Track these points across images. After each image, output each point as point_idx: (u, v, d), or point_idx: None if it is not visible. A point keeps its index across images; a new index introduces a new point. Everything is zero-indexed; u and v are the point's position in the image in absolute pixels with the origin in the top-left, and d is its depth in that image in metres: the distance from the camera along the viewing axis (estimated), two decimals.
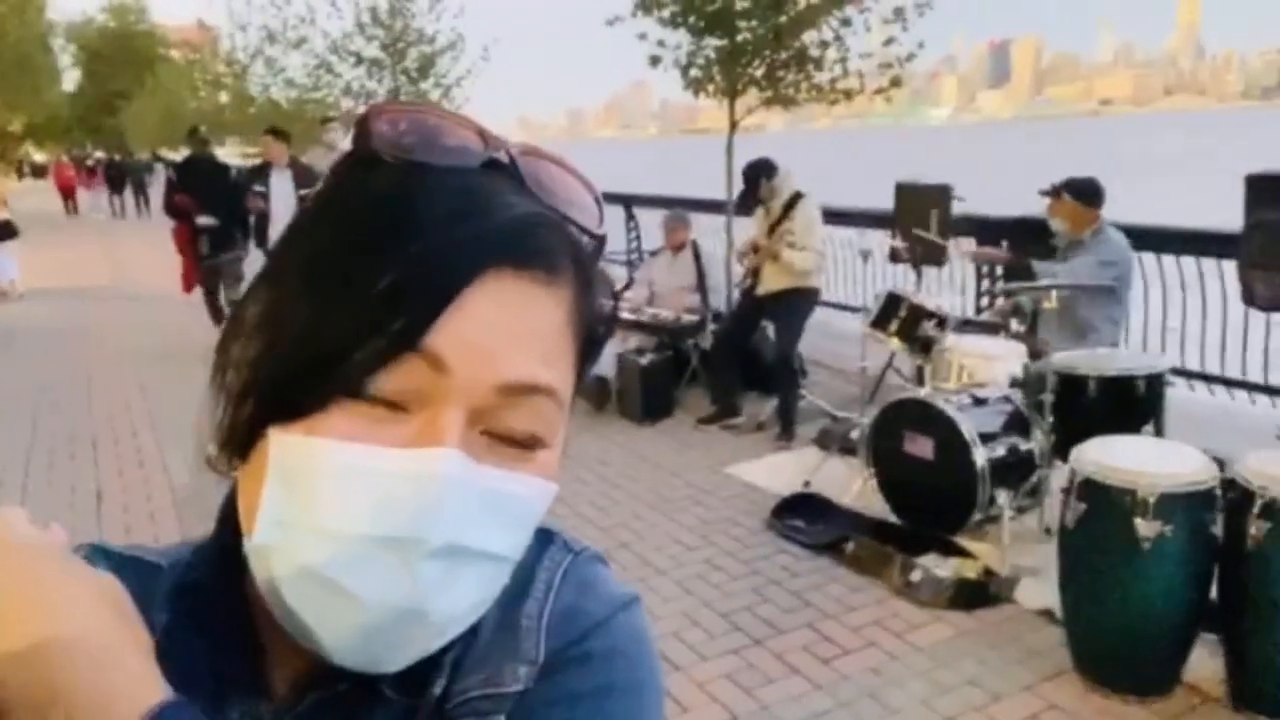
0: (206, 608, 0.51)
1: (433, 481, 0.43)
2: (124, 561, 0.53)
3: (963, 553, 3.54)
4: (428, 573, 0.44)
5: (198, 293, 8.11)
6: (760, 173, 5.31)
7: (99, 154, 36.24)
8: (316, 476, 0.44)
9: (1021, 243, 5.58)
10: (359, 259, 0.45)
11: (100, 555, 0.53)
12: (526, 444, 0.47)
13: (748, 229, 5.87)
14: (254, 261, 7.20)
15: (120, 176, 27.05)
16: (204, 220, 7.61)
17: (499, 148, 0.50)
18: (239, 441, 0.48)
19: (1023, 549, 3.56)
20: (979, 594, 3.34)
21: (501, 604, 0.51)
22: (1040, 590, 3.26)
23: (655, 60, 6.80)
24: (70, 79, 54.42)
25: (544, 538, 0.57)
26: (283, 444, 0.45)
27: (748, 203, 5.38)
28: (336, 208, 0.49)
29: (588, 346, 0.52)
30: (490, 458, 0.46)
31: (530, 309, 0.47)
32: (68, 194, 27.03)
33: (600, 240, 0.53)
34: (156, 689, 0.41)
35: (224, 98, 25.89)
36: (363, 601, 0.44)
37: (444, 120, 0.50)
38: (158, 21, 58.20)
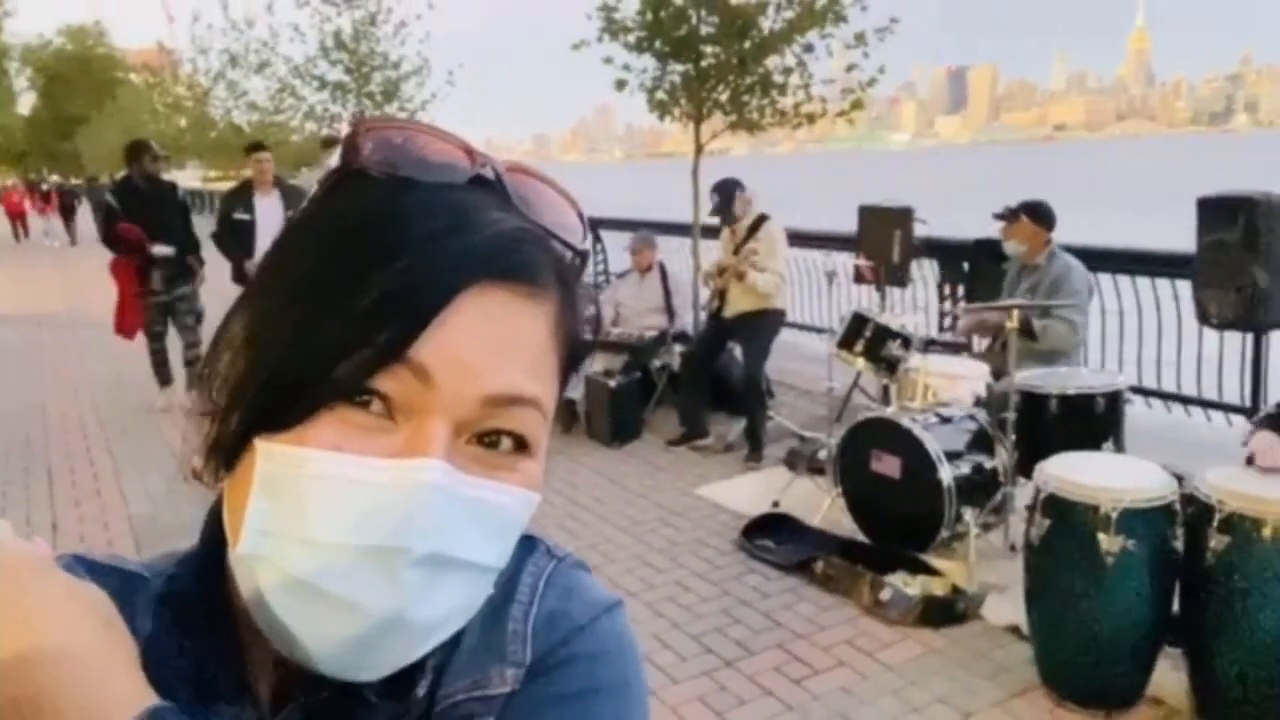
0: (191, 617, 0.51)
1: (418, 491, 0.44)
2: (105, 571, 0.53)
3: (930, 570, 3.56)
4: (411, 581, 0.44)
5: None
6: (734, 187, 5.35)
7: (55, 178, 35.47)
8: (302, 486, 0.44)
9: (981, 264, 5.69)
10: (346, 273, 0.45)
11: (81, 565, 0.53)
12: (512, 448, 0.48)
13: (713, 251, 5.92)
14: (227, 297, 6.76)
15: (72, 203, 26.49)
16: (160, 250, 6.33)
17: (485, 164, 0.51)
18: (226, 452, 0.48)
19: (989, 566, 3.60)
20: (947, 611, 3.36)
21: (486, 608, 0.52)
22: (1007, 607, 3.29)
23: (621, 84, 6.87)
24: (25, 102, 53.52)
25: (527, 544, 0.58)
26: (269, 454, 0.45)
27: (725, 215, 5.38)
28: (324, 222, 0.49)
29: (570, 361, 0.53)
30: (475, 468, 0.47)
31: (515, 322, 0.48)
32: (16, 219, 26.81)
33: (584, 255, 0.54)
34: (145, 695, 0.42)
35: (183, 122, 25.67)
36: (347, 610, 0.44)
37: (431, 137, 0.51)
38: (116, 45, 57.51)
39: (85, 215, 25.79)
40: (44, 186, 27.71)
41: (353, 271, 0.45)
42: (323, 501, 0.44)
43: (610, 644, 0.55)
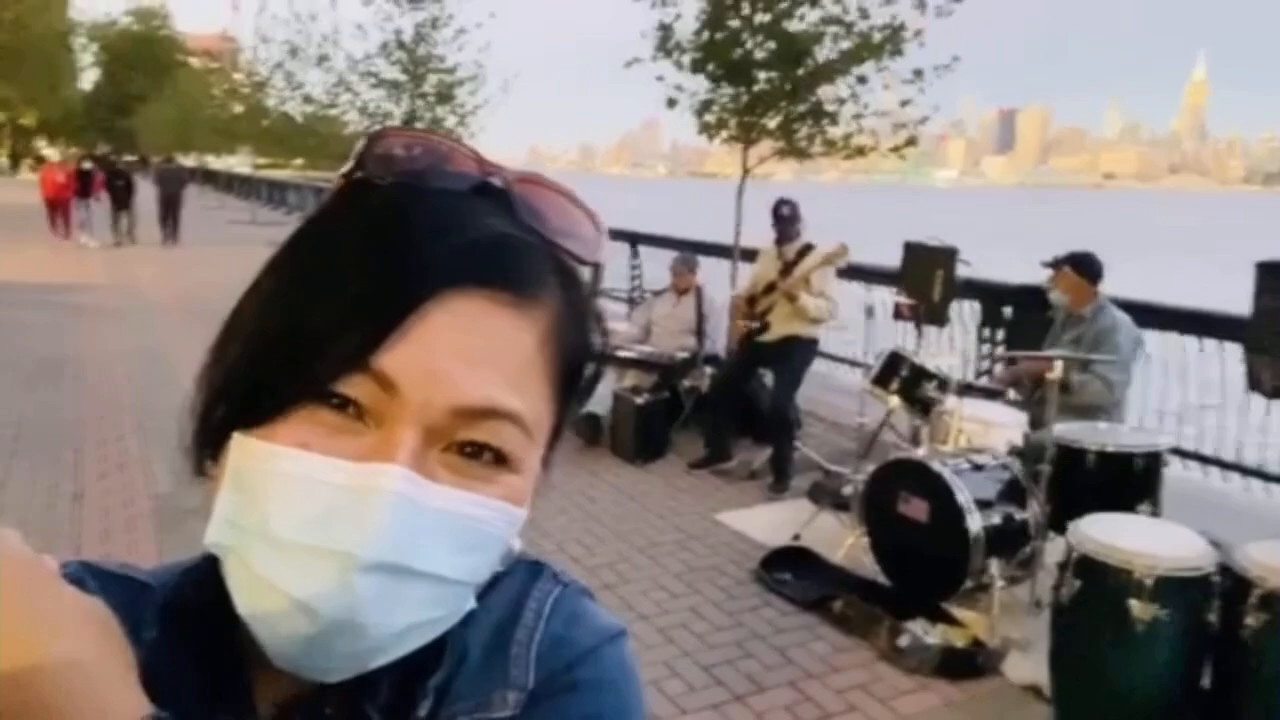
0: (194, 628, 0.51)
1: (375, 496, 0.43)
2: (112, 579, 0.54)
3: (951, 620, 3.48)
4: (364, 588, 0.43)
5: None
6: (798, 208, 5.30)
7: (105, 150, 26.69)
8: (266, 481, 0.44)
9: (1024, 310, 5.60)
10: (330, 273, 0.46)
11: (89, 572, 0.53)
12: (488, 459, 0.47)
13: (746, 276, 5.87)
14: None
15: (128, 186, 17.93)
16: None
17: (494, 173, 0.50)
18: (212, 442, 0.48)
19: (1012, 621, 3.51)
20: (966, 664, 3.27)
21: (490, 631, 0.53)
22: (1029, 665, 3.20)
23: (672, 102, 6.87)
24: (89, 78, 54.90)
25: (533, 569, 0.57)
26: (242, 446, 0.46)
27: (788, 231, 5.32)
28: (323, 223, 0.50)
29: (572, 378, 0.51)
30: (448, 477, 0.45)
31: (495, 332, 0.46)
32: (56, 207, 18.18)
33: (595, 269, 0.53)
34: (142, 706, 0.42)
35: (239, 108, 26.14)
36: (300, 610, 0.44)
37: (443, 146, 0.50)
38: (181, 29, 58.89)
39: (145, 204, 18.47)
40: (85, 165, 18.45)
41: (335, 273, 0.46)
42: (282, 498, 0.44)
43: (614, 672, 0.55)
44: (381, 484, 0.43)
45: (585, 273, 0.53)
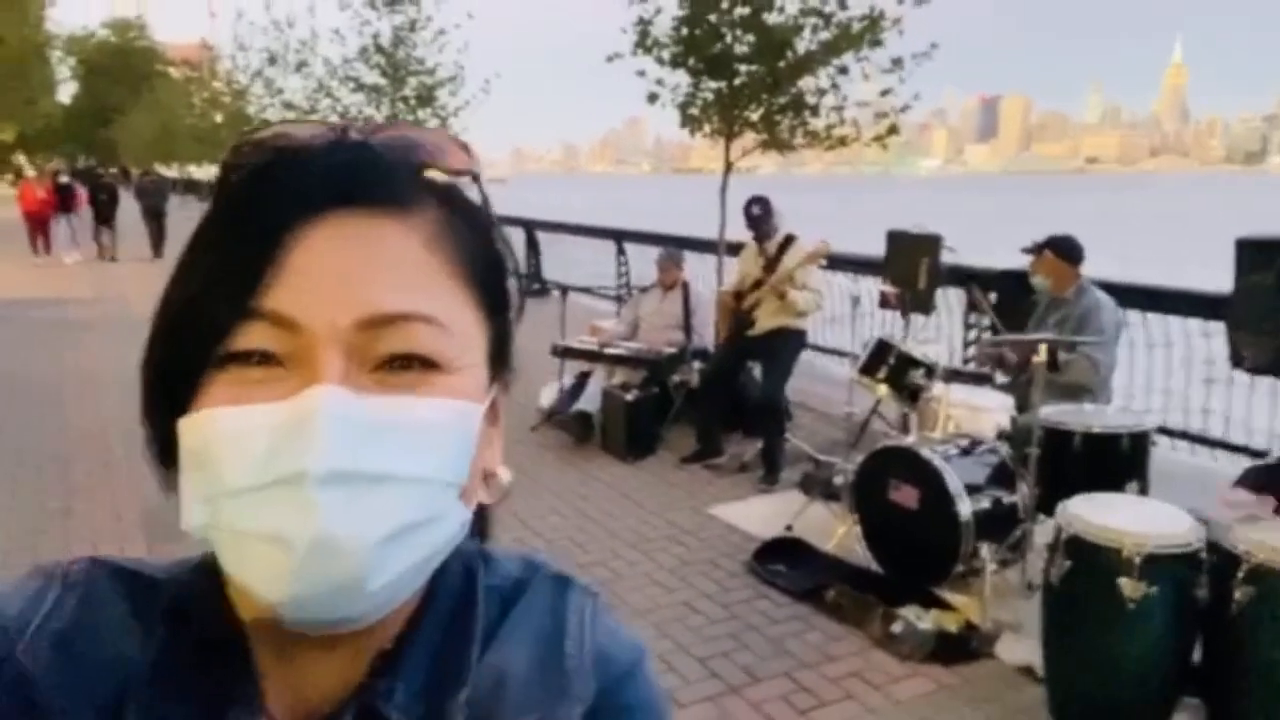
0: (203, 625, 0.51)
1: (310, 417, 0.44)
2: (122, 574, 0.54)
3: (944, 605, 3.49)
4: (325, 502, 0.44)
5: None
6: (767, 205, 5.33)
7: (87, 162, 27.06)
8: (214, 446, 0.45)
9: (1008, 295, 5.62)
10: (206, 244, 0.49)
11: (100, 568, 0.54)
12: (418, 368, 0.47)
13: (733, 270, 5.88)
14: None
15: (111, 199, 17.69)
16: None
17: (348, 131, 0.52)
18: (165, 449, 0.49)
19: (1004, 604, 3.53)
20: (959, 648, 3.29)
21: (534, 643, 0.54)
22: (1021, 647, 3.22)
23: (653, 97, 6.86)
24: (67, 91, 54.48)
25: (562, 581, 0.59)
26: (185, 427, 0.47)
27: (763, 228, 5.35)
28: (205, 213, 0.51)
29: (487, 285, 0.52)
30: (380, 390, 0.46)
31: (372, 244, 0.47)
32: (37, 225, 17.35)
33: (466, 175, 0.54)
34: None
35: (219, 117, 25.97)
36: (277, 545, 0.44)
37: (300, 125, 0.52)
38: (159, 39, 58.52)
39: (127, 217, 18.37)
40: (61, 178, 18.22)
41: (208, 244, 0.48)
42: (230, 453, 0.45)
43: (654, 694, 0.57)
44: (312, 404, 0.44)
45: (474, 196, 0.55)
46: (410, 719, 0.50)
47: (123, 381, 7.48)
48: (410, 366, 0.47)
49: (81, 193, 18.08)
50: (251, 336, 0.45)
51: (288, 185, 0.47)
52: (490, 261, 0.53)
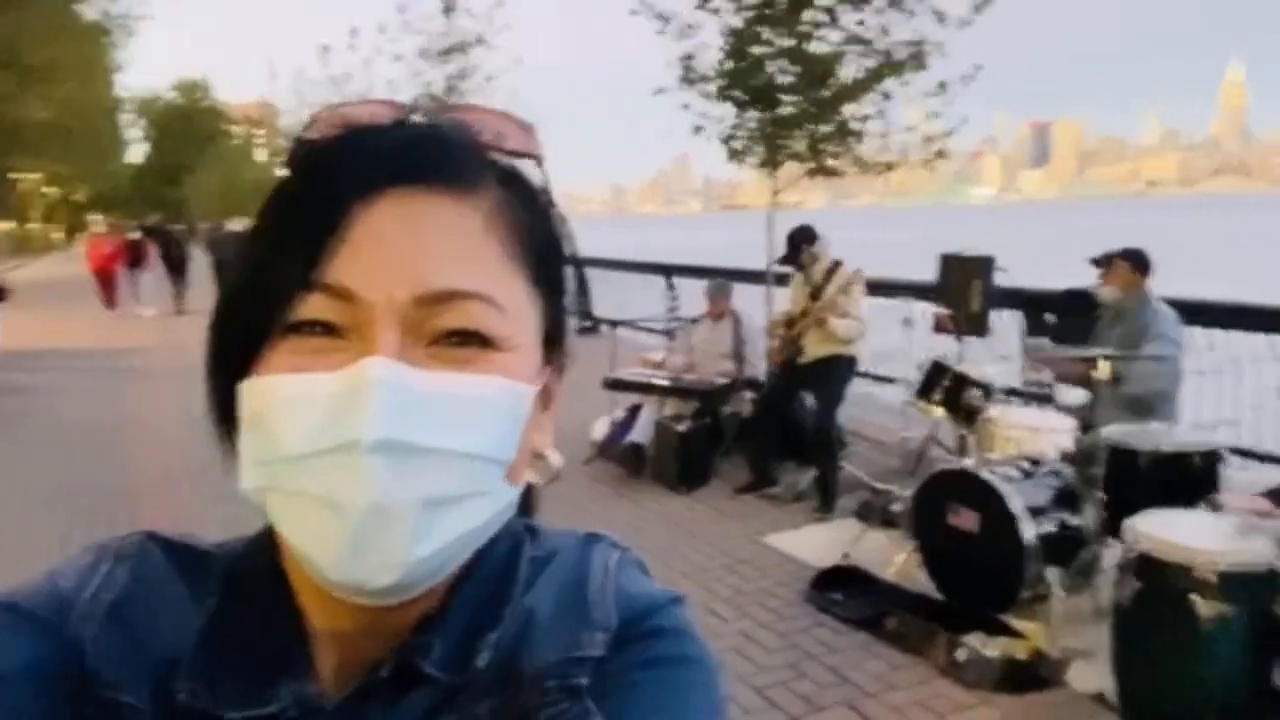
0: (255, 595, 0.53)
1: (364, 386, 0.45)
2: (174, 548, 0.56)
3: (1010, 632, 3.39)
4: (375, 468, 0.45)
5: None
6: (803, 237, 5.33)
7: (154, 220, 25.27)
8: (273, 411, 0.47)
9: (1068, 316, 5.51)
10: (274, 218, 0.50)
11: (155, 543, 0.56)
12: (475, 345, 0.48)
13: (782, 301, 5.87)
14: None
15: (181, 254, 17.53)
16: None
17: (415, 110, 0.54)
18: (226, 413, 0.51)
19: (1073, 630, 3.40)
20: (1028, 676, 3.18)
21: (559, 589, 0.55)
22: (1093, 673, 3.10)
23: (699, 129, 6.93)
24: (137, 152, 56.99)
25: (591, 537, 0.60)
26: (247, 390, 0.49)
27: (791, 263, 5.38)
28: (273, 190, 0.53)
29: (543, 266, 0.53)
30: (435, 365, 0.47)
31: (433, 221, 0.49)
32: (105, 280, 17.44)
33: (527, 158, 0.56)
34: None
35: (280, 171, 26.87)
36: (330, 509, 0.45)
37: (367, 102, 0.55)
38: (221, 99, 61.03)
39: (196, 269, 18.02)
40: (133, 235, 18.89)
41: (276, 218, 0.50)
42: (289, 419, 0.46)
43: (690, 625, 0.57)
44: (367, 375, 0.45)
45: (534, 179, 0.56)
46: (443, 670, 0.51)
47: (189, 426, 7.70)
48: (465, 343, 0.48)
49: (151, 248, 18.49)
50: (312, 307, 0.47)
51: (352, 162, 0.49)
52: (548, 244, 0.54)
